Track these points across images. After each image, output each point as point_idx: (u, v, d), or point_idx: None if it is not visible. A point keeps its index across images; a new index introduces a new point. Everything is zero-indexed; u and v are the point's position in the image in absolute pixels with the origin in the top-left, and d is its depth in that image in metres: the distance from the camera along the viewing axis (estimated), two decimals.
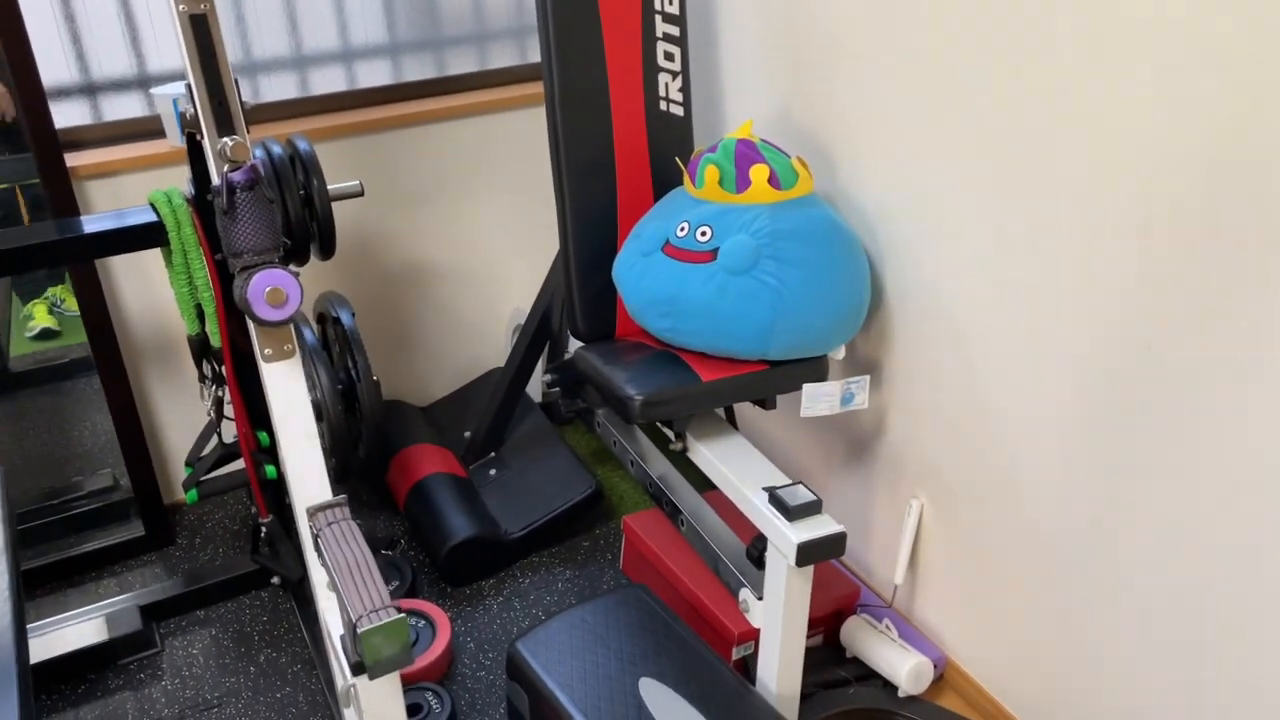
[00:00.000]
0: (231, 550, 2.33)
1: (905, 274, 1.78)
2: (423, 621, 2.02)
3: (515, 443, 2.47)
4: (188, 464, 2.05)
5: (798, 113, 1.96)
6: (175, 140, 2.17)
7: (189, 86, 1.44)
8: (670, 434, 1.84)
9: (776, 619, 1.66)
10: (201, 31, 1.37)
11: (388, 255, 2.55)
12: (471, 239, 2.64)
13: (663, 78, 1.95)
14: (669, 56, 1.94)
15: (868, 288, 1.78)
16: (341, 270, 2.49)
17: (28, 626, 2.06)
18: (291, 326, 1.51)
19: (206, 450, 2.04)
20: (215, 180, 1.45)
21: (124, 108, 2.36)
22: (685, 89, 1.97)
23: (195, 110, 1.44)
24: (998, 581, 1.75)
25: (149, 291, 2.26)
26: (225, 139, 1.39)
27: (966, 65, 1.54)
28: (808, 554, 1.55)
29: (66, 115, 2.23)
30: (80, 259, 2.03)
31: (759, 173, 1.71)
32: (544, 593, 2.17)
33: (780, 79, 1.99)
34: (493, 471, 2.40)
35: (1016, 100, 1.47)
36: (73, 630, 2.00)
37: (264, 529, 2.16)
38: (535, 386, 2.64)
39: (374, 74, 2.59)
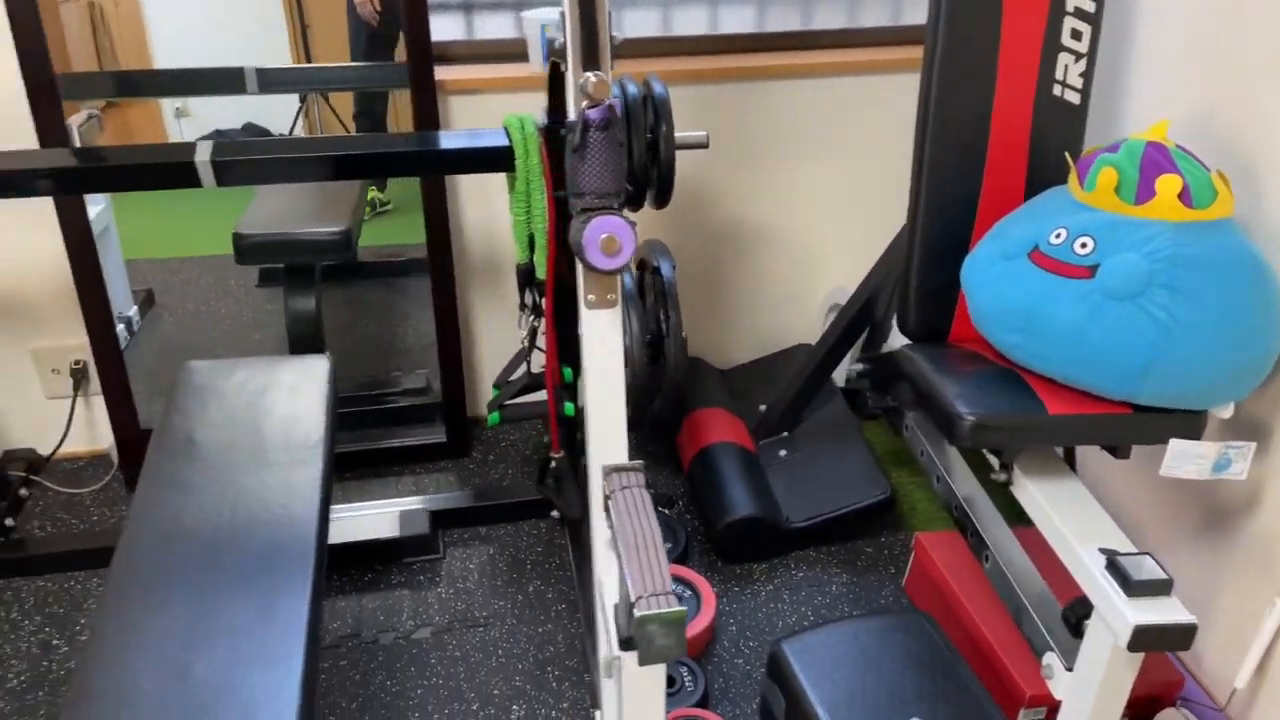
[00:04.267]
0: (520, 474, 2.38)
1: None
2: (689, 591, 1.96)
3: (811, 427, 2.33)
4: (495, 386, 2.09)
5: (1224, 119, 1.65)
6: (537, 65, 2.19)
7: (562, 14, 1.40)
8: (994, 461, 1.64)
9: (1086, 701, 1.43)
10: None
11: (711, 209, 2.46)
12: (801, 205, 2.50)
13: (1063, 58, 1.70)
14: (1076, 35, 1.69)
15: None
16: (662, 217, 2.44)
17: (332, 509, 2.20)
18: (620, 275, 1.46)
19: (514, 376, 2.07)
20: (571, 115, 1.40)
21: (493, 27, 2.42)
22: (1088, 74, 1.71)
23: (564, 39, 1.40)
24: None
25: (487, 212, 2.32)
26: (589, 74, 1.34)
27: None
28: (1144, 640, 1.31)
29: (442, 30, 2.31)
30: (432, 173, 2.10)
31: (1168, 184, 1.44)
32: (815, 591, 2.04)
33: (1207, 75, 1.67)
34: (783, 452, 2.28)
35: None
36: (370, 521, 2.12)
37: (554, 462, 2.18)
38: (839, 370, 2.48)
39: (736, 19, 2.49)
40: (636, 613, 1.13)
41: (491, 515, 2.22)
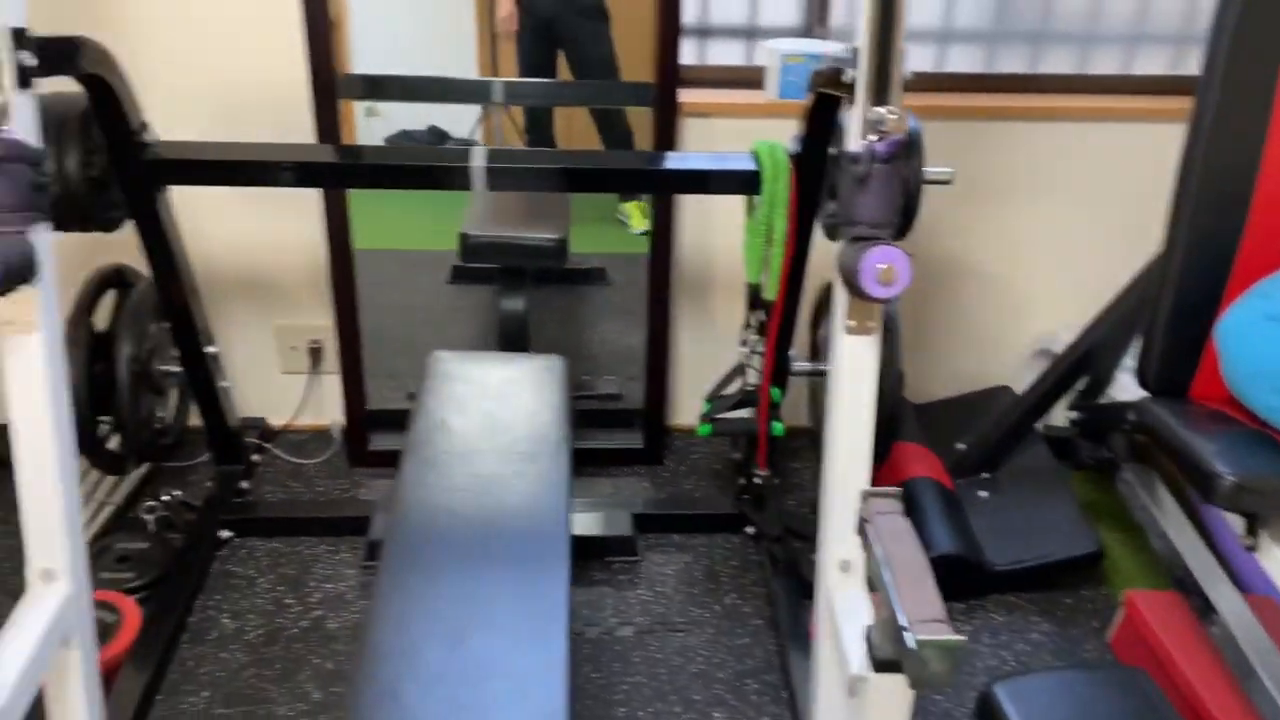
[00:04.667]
0: (711, 487, 2.43)
1: None
2: None
3: (1012, 471, 2.31)
4: (707, 400, 2.15)
5: None
6: (772, 94, 2.24)
7: (854, 50, 1.44)
8: (1239, 526, 1.60)
9: None
10: None
11: (923, 242, 2.47)
12: (1011, 247, 2.49)
13: None
14: None
15: None
16: None
17: None
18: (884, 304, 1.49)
19: (728, 391, 2.12)
20: (853, 147, 1.44)
21: (724, 54, 2.49)
22: None
23: (853, 73, 1.44)
24: None
25: (705, 231, 2.38)
26: (882, 109, 1.38)
27: None
28: None
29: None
30: (679, 191, 2.19)
31: None
32: (1016, 638, 2.02)
33: None
34: (983, 493, 2.27)
35: None
36: (577, 517, 2.20)
37: (758, 480, 2.22)
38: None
39: (963, 59, 2.51)
40: (917, 637, 1.15)
41: (687, 524, 2.27)
